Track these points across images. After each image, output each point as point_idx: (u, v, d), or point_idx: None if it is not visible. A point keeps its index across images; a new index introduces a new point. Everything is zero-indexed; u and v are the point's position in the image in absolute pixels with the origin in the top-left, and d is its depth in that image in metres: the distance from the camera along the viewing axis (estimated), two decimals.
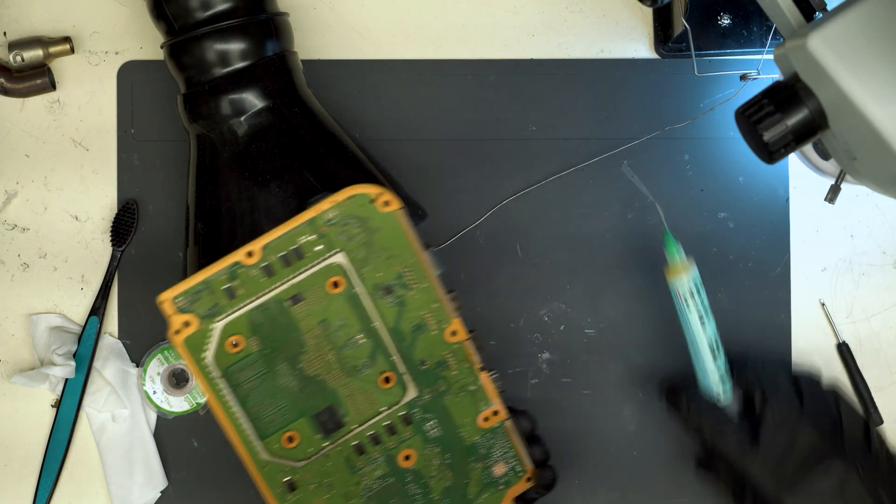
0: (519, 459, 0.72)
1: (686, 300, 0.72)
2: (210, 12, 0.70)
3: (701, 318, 0.72)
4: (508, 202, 0.79)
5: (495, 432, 0.72)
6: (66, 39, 0.77)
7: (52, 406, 0.78)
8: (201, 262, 0.71)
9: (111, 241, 0.78)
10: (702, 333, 0.73)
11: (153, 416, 0.78)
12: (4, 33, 0.78)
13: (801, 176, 0.80)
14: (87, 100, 0.78)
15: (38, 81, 0.76)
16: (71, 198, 0.78)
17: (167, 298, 0.66)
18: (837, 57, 0.53)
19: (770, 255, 0.80)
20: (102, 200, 0.78)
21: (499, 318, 0.79)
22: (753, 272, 0.80)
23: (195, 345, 0.67)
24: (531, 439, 0.73)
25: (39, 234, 0.78)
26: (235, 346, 0.67)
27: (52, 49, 0.76)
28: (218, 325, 0.67)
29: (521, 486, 0.73)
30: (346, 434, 0.70)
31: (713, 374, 0.74)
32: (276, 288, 0.67)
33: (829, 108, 0.55)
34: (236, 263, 0.66)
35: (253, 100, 0.71)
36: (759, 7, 0.72)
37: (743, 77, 0.75)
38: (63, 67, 0.78)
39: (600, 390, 0.79)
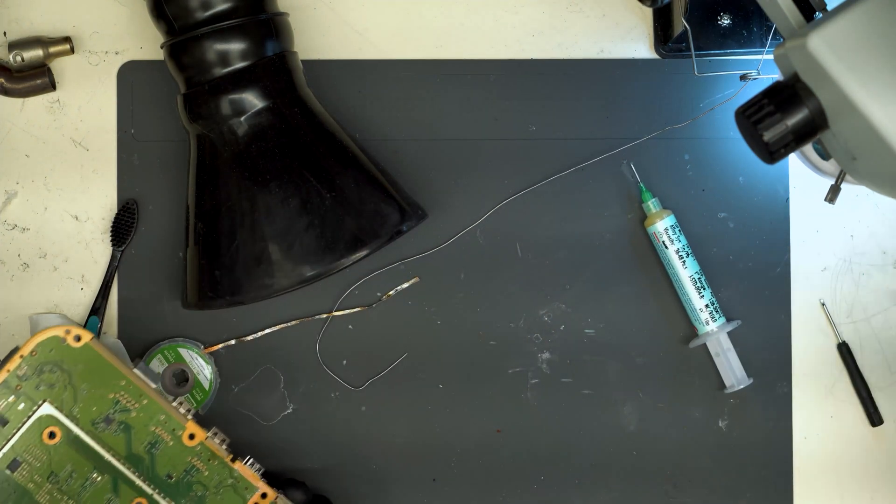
0: None
1: (664, 242, 0.76)
2: (210, 12, 0.70)
3: (681, 257, 0.76)
4: (508, 202, 0.79)
5: None
6: (66, 39, 0.77)
7: None
8: (201, 262, 0.72)
9: (111, 241, 0.78)
10: (682, 270, 0.76)
11: None
12: (4, 33, 0.78)
13: (801, 176, 0.80)
14: (87, 100, 0.78)
15: (38, 81, 0.76)
16: (71, 198, 0.78)
17: None
18: (837, 57, 0.53)
19: (770, 255, 0.80)
20: (102, 200, 0.78)
21: (499, 318, 0.79)
22: (753, 272, 0.80)
23: None
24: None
25: (39, 234, 0.78)
26: None
27: (52, 49, 0.76)
28: None
29: None
30: None
31: (700, 309, 0.77)
32: None
33: (829, 108, 0.55)
34: None
35: (253, 100, 0.71)
36: (759, 7, 0.72)
37: (743, 77, 0.75)
38: (63, 67, 0.78)
39: (600, 390, 0.79)
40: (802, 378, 0.80)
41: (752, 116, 0.55)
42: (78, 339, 0.68)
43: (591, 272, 0.79)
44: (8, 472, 0.67)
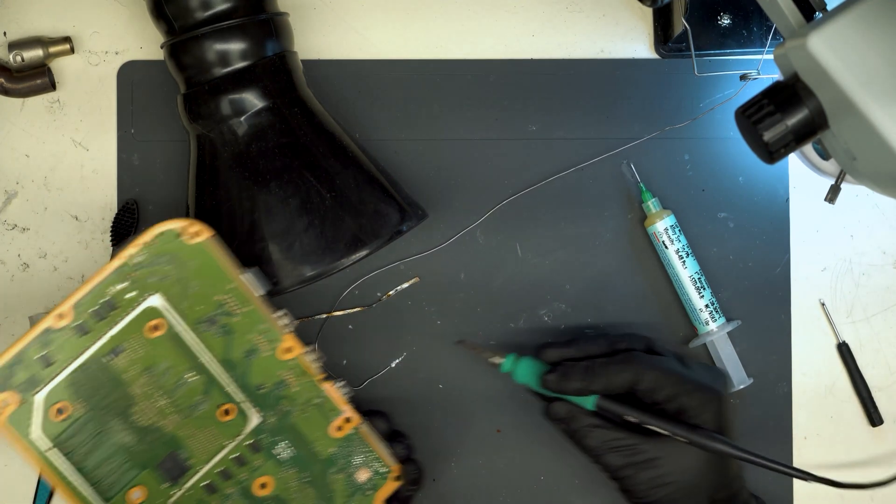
0: (382, 461, 0.72)
1: (664, 242, 0.76)
2: (210, 12, 0.70)
3: (681, 257, 0.76)
4: (508, 202, 0.79)
5: (351, 440, 0.71)
6: (66, 39, 0.77)
7: None
8: None
9: (111, 241, 0.78)
10: (682, 270, 0.76)
11: None
12: (4, 33, 0.78)
13: (801, 176, 0.80)
14: (87, 100, 0.78)
15: (38, 81, 0.76)
16: (71, 198, 0.78)
17: None
18: (837, 57, 0.53)
19: (770, 255, 0.80)
20: (102, 200, 0.78)
21: (499, 318, 0.79)
22: (753, 272, 0.80)
23: (20, 421, 0.66)
24: (391, 438, 0.73)
25: (39, 234, 0.78)
26: (61, 413, 0.66)
27: (52, 49, 0.76)
28: (38, 397, 0.66)
29: (390, 487, 0.72)
30: (193, 476, 0.69)
31: (700, 309, 0.77)
32: (93, 345, 0.67)
33: (829, 108, 0.55)
34: (47, 329, 0.66)
35: (253, 100, 0.71)
36: (759, 7, 0.72)
37: (743, 77, 0.75)
38: (63, 67, 0.78)
39: None
40: (802, 378, 0.80)
41: (752, 116, 0.55)
42: (196, 235, 0.67)
43: (591, 272, 0.79)
44: (109, 357, 0.67)
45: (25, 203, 0.78)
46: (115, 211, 0.78)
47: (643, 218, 0.79)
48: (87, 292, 0.66)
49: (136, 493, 0.68)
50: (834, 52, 0.53)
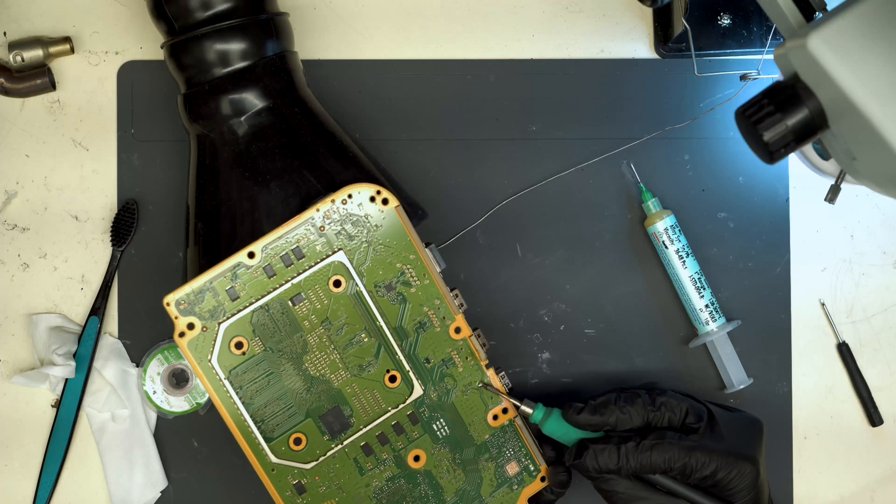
0: (532, 458, 0.72)
1: (664, 242, 0.76)
2: (210, 12, 0.70)
3: (681, 257, 0.76)
4: (508, 202, 0.79)
5: (505, 430, 0.72)
6: (66, 39, 0.77)
7: (52, 406, 0.78)
8: (201, 262, 0.72)
9: (111, 241, 0.78)
10: (682, 270, 0.76)
11: (153, 416, 0.78)
12: (4, 33, 0.78)
13: (801, 176, 0.80)
14: (87, 100, 0.78)
15: (38, 81, 0.76)
16: (71, 198, 0.78)
17: (172, 300, 0.67)
18: (837, 57, 0.53)
19: (770, 255, 0.80)
20: (102, 200, 0.78)
21: (499, 318, 0.79)
22: (753, 272, 0.80)
23: (200, 347, 0.68)
24: (543, 437, 0.73)
25: (39, 234, 0.78)
26: (239, 347, 0.68)
27: (52, 49, 0.76)
28: (221, 327, 0.68)
29: (536, 486, 0.73)
30: (353, 435, 0.70)
31: (700, 309, 0.77)
32: (277, 288, 0.68)
33: (829, 108, 0.55)
34: (238, 264, 0.67)
35: (253, 100, 0.71)
36: (759, 7, 0.72)
37: (743, 77, 0.75)
38: (63, 67, 0.78)
39: (600, 391, 0.79)
40: (802, 378, 0.80)
41: (752, 116, 0.55)
42: (386, 202, 0.69)
43: (591, 272, 0.79)
44: (290, 302, 0.68)
45: (25, 203, 0.78)
46: (115, 211, 0.78)
47: (643, 218, 0.79)
48: (276, 237, 0.68)
49: (297, 439, 0.70)
50: (834, 52, 0.53)
